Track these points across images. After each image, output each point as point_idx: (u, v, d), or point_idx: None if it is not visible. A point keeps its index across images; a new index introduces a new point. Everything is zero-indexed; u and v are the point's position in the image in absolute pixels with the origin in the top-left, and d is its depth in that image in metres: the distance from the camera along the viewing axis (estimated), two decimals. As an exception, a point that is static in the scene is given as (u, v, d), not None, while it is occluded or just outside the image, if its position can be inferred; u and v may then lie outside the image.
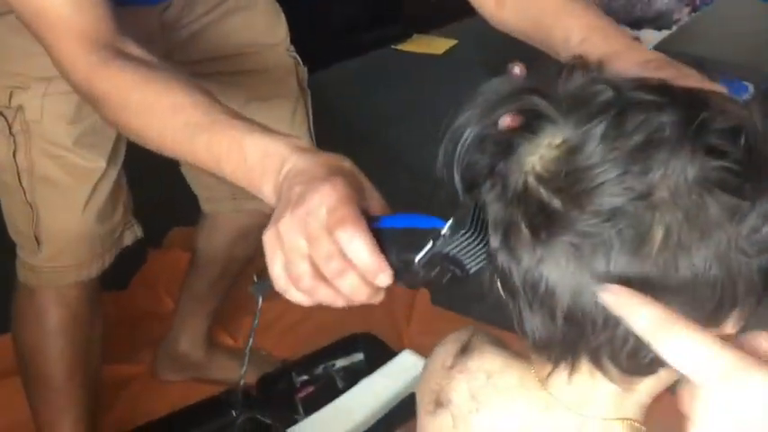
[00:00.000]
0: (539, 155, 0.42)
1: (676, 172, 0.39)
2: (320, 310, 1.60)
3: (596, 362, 0.44)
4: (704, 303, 0.41)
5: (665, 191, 0.40)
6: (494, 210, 0.45)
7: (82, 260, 1.03)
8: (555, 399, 0.49)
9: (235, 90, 1.08)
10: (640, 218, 0.40)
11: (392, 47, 3.15)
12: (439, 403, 0.53)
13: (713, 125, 0.41)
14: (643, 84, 0.43)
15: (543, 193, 0.41)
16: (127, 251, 1.29)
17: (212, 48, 1.08)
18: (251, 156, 0.58)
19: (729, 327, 0.43)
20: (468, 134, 0.45)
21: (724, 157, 0.40)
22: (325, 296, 0.52)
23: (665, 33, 2.99)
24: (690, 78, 0.57)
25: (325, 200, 0.50)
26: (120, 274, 1.65)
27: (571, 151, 0.41)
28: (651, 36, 3.11)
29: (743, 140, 0.40)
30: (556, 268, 0.42)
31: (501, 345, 0.54)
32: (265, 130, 0.61)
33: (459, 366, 0.53)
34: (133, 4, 0.93)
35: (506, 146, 0.44)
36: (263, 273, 0.55)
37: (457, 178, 0.46)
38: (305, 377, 1.36)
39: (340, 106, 2.56)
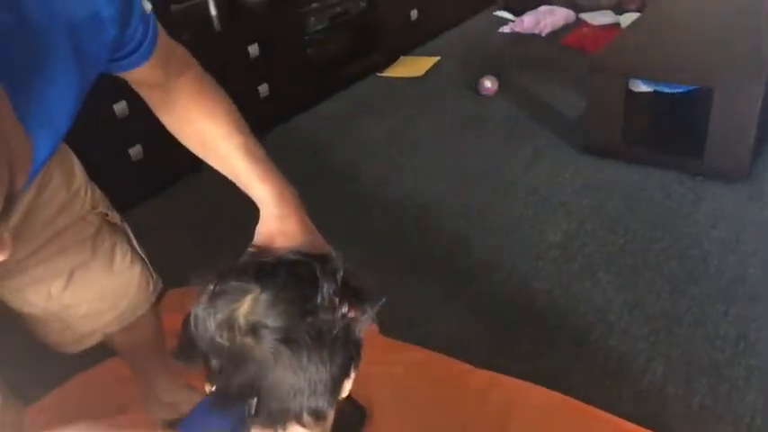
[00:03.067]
0: (246, 307, 0.72)
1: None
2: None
3: (299, 420, 0.74)
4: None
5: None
6: (235, 345, 0.72)
7: None
8: None
9: (60, 265, 1.19)
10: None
11: (376, 74, 3.40)
12: None
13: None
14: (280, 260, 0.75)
15: (255, 325, 0.71)
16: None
17: (27, 246, 1.13)
18: None
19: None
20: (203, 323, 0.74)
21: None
22: None
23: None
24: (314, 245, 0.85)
25: None
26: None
27: (255, 303, 0.72)
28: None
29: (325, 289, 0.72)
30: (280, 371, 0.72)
31: None
32: None
33: None
34: None
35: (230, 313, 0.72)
36: None
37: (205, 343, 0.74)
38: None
39: (323, 144, 2.80)
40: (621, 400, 1.53)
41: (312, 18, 3.01)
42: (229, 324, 0.71)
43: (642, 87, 2.78)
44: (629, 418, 1.46)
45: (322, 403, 0.75)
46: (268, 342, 0.70)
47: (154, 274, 1.35)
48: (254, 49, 2.79)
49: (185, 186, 2.49)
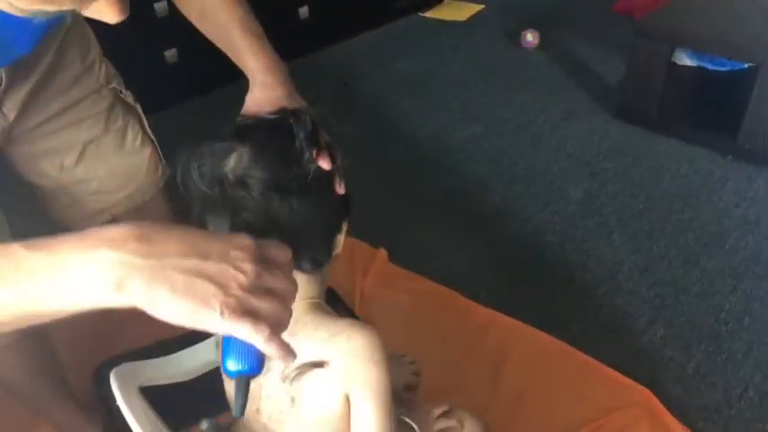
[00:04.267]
0: (232, 163, 0.76)
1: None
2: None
3: (299, 267, 0.76)
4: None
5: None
6: (227, 198, 0.76)
7: None
8: None
9: (74, 137, 1.22)
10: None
11: (419, 14, 3.36)
12: None
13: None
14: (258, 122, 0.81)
15: (243, 177, 0.76)
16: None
17: (43, 112, 1.17)
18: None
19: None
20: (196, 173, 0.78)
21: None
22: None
23: None
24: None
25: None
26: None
27: (240, 158, 0.76)
28: None
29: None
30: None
31: None
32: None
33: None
34: None
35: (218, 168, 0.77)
36: None
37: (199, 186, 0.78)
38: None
39: (355, 76, 2.78)
40: (618, 355, 1.54)
41: (361, -54, 2.96)
42: (219, 180, 0.76)
43: (686, 61, 2.72)
44: (624, 373, 1.48)
45: (318, 252, 0.80)
46: (257, 190, 0.75)
47: (163, 160, 1.37)
48: (298, -32, 2.75)
49: (218, 96, 2.49)
